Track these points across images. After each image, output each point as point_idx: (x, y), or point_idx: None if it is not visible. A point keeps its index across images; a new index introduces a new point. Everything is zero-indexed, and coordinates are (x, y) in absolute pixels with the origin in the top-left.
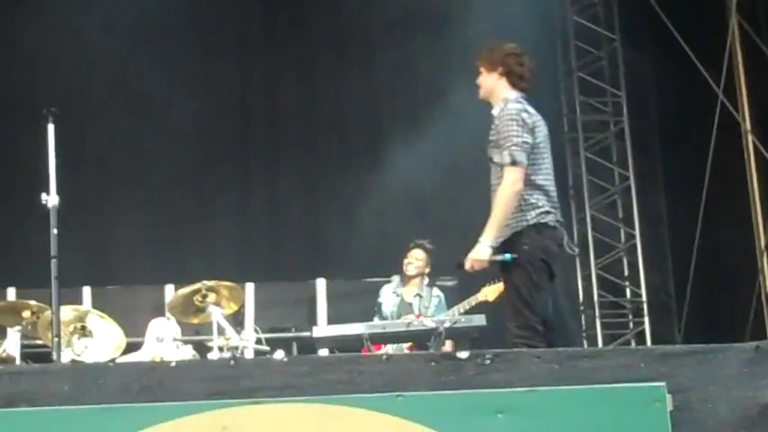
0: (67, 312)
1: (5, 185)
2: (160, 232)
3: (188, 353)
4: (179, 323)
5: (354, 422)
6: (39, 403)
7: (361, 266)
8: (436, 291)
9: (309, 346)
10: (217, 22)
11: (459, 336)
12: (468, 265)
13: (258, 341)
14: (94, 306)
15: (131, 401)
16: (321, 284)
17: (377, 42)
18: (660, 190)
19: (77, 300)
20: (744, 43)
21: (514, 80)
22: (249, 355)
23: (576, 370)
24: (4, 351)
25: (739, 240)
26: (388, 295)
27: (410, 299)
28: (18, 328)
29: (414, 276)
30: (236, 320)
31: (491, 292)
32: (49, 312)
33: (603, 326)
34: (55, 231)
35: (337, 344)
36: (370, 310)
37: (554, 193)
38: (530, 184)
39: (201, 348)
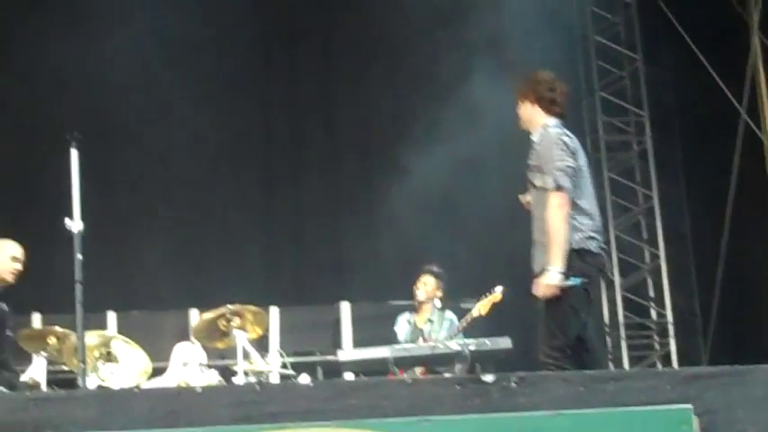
0: (92, 338)
1: (30, 210)
2: (184, 257)
3: (213, 377)
4: (204, 348)
5: None
6: (65, 429)
7: (386, 289)
8: (449, 314)
9: (334, 369)
10: (239, 47)
11: (485, 359)
12: (540, 293)
13: (283, 365)
14: (119, 331)
15: (157, 427)
16: (345, 307)
17: (399, 57)
18: (684, 209)
19: (102, 325)
20: (766, 62)
21: (547, 106)
22: (274, 379)
23: (601, 393)
24: (30, 378)
25: (765, 259)
26: (403, 324)
27: (422, 325)
28: (44, 354)
29: (424, 302)
30: (261, 345)
31: (483, 306)
32: (74, 338)
33: (629, 347)
34: (79, 256)
35: (363, 367)
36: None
37: (598, 217)
38: (574, 207)
39: (226, 373)
